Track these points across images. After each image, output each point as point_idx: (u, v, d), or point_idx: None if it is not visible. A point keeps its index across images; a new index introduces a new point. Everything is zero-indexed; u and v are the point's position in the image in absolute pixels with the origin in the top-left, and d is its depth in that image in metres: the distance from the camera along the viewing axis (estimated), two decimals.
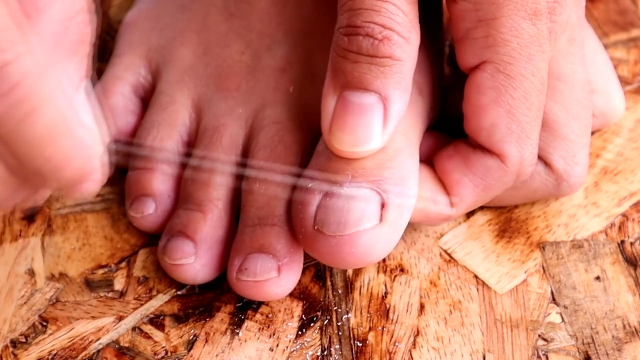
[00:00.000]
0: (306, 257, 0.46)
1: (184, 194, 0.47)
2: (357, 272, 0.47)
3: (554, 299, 0.46)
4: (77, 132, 0.35)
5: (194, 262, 0.45)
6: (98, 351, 0.44)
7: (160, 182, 0.48)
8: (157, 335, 0.45)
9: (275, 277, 0.44)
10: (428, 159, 0.47)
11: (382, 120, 0.42)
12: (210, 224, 0.46)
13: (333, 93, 0.42)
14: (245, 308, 0.46)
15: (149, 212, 0.47)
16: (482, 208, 0.49)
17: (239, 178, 0.47)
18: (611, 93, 0.50)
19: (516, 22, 0.43)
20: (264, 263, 0.44)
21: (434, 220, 0.46)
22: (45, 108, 0.33)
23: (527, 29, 0.43)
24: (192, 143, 0.49)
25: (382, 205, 0.43)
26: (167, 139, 0.48)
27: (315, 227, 0.43)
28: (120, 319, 0.45)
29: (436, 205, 0.45)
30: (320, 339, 0.45)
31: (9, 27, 0.33)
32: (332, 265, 0.44)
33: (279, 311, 0.46)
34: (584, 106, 0.46)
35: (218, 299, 0.46)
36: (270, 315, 0.46)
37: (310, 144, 0.47)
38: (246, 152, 0.47)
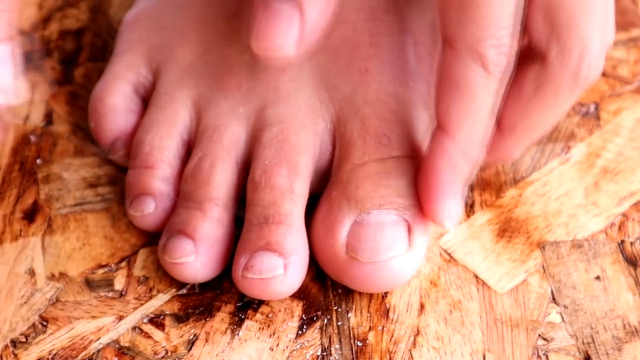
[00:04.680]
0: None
1: (184, 193, 0.47)
2: None
3: (554, 299, 0.46)
4: None
5: (194, 260, 0.45)
6: (98, 351, 0.44)
7: (160, 181, 0.48)
8: (158, 335, 0.45)
9: (281, 274, 0.44)
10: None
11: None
12: (210, 222, 0.46)
13: None
14: (245, 308, 0.46)
15: (149, 210, 0.47)
16: (482, 208, 0.49)
17: (240, 177, 0.47)
18: None
19: None
20: (270, 260, 0.44)
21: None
22: None
23: None
24: (192, 142, 0.49)
25: (409, 231, 0.44)
26: (167, 137, 0.48)
27: (348, 254, 0.44)
28: (121, 318, 0.45)
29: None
30: (321, 338, 0.45)
31: None
32: (361, 289, 0.45)
33: (279, 311, 0.46)
34: None
35: (218, 299, 0.46)
36: (270, 315, 0.46)
37: (313, 145, 0.47)
38: (249, 151, 0.47)
